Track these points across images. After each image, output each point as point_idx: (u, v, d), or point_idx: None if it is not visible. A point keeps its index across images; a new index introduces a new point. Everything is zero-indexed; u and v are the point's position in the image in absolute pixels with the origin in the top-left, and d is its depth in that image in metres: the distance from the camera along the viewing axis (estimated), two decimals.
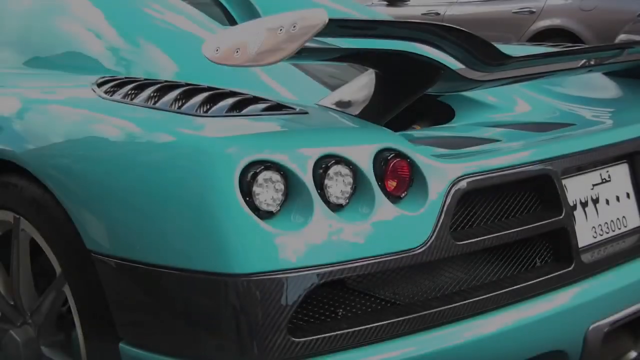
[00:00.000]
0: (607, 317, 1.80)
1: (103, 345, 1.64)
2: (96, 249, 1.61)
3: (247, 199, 1.45)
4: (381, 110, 1.77)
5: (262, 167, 1.47)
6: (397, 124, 1.89)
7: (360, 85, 1.84)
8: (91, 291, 1.64)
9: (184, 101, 1.71)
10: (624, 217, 2.00)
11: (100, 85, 1.88)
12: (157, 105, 1.71)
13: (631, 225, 2.01)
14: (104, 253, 1.59)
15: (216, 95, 1.71)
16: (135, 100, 1.76)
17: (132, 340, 1.57)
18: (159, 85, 1.80)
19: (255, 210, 1.45)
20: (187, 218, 1.49)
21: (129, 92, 1.80)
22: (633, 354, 1.99)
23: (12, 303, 1.92)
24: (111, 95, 1.81)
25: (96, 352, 1.65)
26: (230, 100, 1.68)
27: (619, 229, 1.98)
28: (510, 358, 1.68)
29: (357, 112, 1.76)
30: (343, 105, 1.82)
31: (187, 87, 1.77)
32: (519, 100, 2.47)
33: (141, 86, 1.83)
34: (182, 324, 1.49)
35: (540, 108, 2.42)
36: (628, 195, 2.03)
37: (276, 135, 1.60)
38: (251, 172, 1.46)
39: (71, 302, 1.70)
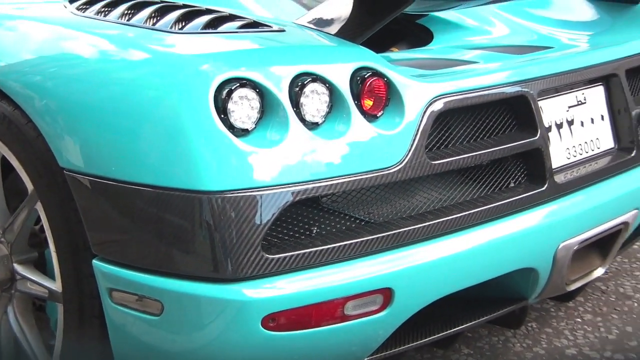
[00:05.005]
0: (576, 236, 1.83)
1: (76, 262, 1.64)
2: (69, 167, 1.60)
3: (222, 116, 1.44)
4: (359, 29, 1.75)
5: (238, 84, 1.45)
6: (376, 47, 1.88)
7: (338, 4, 1.82)
8: (64, 209, 1.64)
9: (158, 18, 1.68)
10: (597, 138, 2.02)
11: (72, 1, 1.84)
12: (131, 22, 1.68)
13: (604, 146, 2.03)
14: (78, 171, 1.58)
15: (191, 13, 1.68)
16: (109, 17, 1.72)
17: (106, 257, 1.58)
18: (132, 2, 1.77)
19: (230, 127, 1.44)
20: (162, 135, 1.48)
21: (102, 9, 1.77)
22: (600, 270, 2.04)
23: None
24: (83, 12, 1.78)
25: (69, 269, 1.66)
26: (205, 18, 1.65)
27: (593, 150, 1.99)
28: (482, 275, 1.71)
29: (334, 31, 1.74)
30: (321, 23, 1.79)
31: (162, 4, 1.73)
32: (498, 23, 2.45)
33: (114, 3, 1.79)
34: (157, 241, 1.49)
35: (519, 31, 2.41)
36: (602, 118, 2.04)
37: (252, 52, 1.58)
38: (226, 90, 1.44)
39: (44, 220, 1.70)
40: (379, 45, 2.08)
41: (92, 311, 1.65)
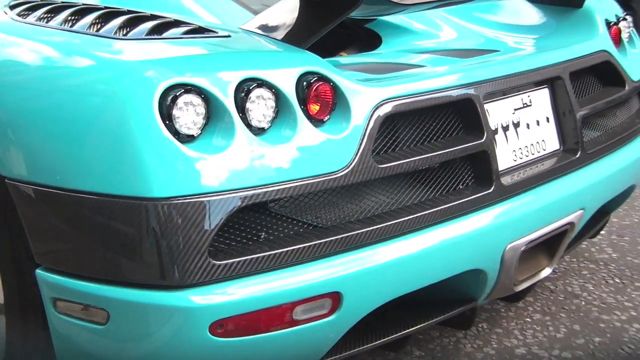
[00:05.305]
0: (523, 237, 1.86)
1: (19, 272, 1.62)
2: (11, 176, 1.57)
3: (167, 122, 1.43)
4: (305, 34, 1.75)
5: (182, 90, 1.44)
6: (325, 52, 1.88)
7: (285, 9, 1.82)
8: (5, 218, 1.61)
9: (102, 24, 1.66)
10: (543, 140, 2.05)
11: (13, 7, 1.82)
12: (75, 28, 1.66)
13: (550, 148, 2.06)
14: (20, 179, 1.56)
15: (136, 19, 1.67)
16: (51, 23, 1.70)
17: (50, 266, 1.55)
18: (75, 8, 1.75)
19: (176, 134, 1.43)
20: (107, 142, 1.46)
21: (44, 15, 1.74)
22: (548, 270, 2.07)
23: None
24: (25, 18, 1.75)
25: (12, 279, 1.63)
26: (150, 24, 1.64)
27: (539, 152, 2.02)
28: (431, 277, 1.72)
29: (281, 36, 1.74)
30: (267, 29, 1.79)
31: (106, 10, 1.71)
32: (446, 27, 2.48)
33: (57, 9, 1.77)
34: (102, 249, 1.47)
35: (466, 35, 2.43)
36: (548, 120, 2.07)
37: (197, 58, 1.57)
38: (171, 96, 1.43)
39: None
40: (328, 49, 2.09)
41: (36, 322, 1.62)
